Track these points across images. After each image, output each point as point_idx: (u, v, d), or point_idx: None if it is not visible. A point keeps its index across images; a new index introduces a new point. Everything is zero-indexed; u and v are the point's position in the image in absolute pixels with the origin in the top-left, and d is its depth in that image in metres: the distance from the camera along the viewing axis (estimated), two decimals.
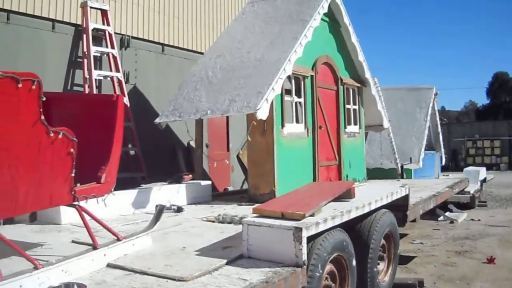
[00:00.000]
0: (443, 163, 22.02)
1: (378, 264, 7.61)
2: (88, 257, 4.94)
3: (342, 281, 6.26)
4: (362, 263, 6.83)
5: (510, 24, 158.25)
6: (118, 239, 5.41)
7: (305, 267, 5.04)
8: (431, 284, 9.08)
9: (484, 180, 22.33)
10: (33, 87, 4.20)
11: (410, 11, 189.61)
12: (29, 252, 4.82)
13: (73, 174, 4.84)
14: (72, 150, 4.74)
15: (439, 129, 21.29)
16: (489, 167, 43.27)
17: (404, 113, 18.83)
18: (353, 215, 6.41)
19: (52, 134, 4.49)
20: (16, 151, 4.21)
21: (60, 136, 4.57)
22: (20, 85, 4.08)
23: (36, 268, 4.33)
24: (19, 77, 4.10)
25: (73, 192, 4.93)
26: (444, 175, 19.75)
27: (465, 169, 21.67)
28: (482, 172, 21.72)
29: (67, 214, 6.99)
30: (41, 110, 4.32)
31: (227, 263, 4.99)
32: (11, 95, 4.05)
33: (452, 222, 15.97)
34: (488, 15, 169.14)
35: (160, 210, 6.29)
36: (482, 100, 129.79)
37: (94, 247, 5.09)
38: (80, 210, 5.18)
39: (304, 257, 4.99)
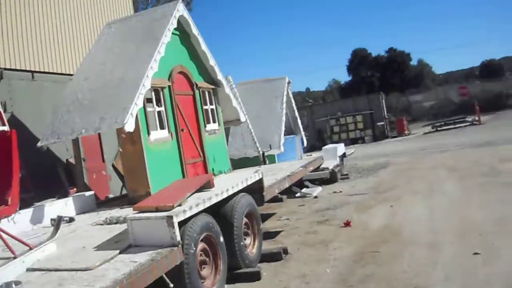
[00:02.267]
0: (305, 144, 23.51)
1: (245, 239, 9.19)
2: (12, 265, 6.10)
3: (214, 256, 7.84)
4: (229, 239, 8.43)
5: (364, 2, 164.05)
6: (30, 248, 6.62)
7: (180, 246, 6.50)
8: (295, 250, 10.41)
9: (344, 155, 23.86)
10: None
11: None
12: None
13: None
14: None
15: (296, 114, 22.68)
16: (354, 141, 45.67)
17: (262, 104, 20.00)
18: (214, 201, 8.00)
19: None
20: None
21: None
22: None
23: None
24: None
25: None
26: (307, 155, 20.84)
27: (323, 148, 23.22)
28: (341, 148, 23.25)
29: None
30: None
31: (119, 253, 6.34)
32: None
33: (305, 196, 17.48)
34: None
35: (59, 220, 7.52)
36: (344, 77, 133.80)
37: (14, 257, 6.29)
38: None
39: (178, 238, 6.46)
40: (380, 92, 54.20)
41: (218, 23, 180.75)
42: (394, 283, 7.69)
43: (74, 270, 5.90)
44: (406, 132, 49.39)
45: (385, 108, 50.83)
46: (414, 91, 72.43)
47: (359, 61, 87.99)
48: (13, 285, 5.09)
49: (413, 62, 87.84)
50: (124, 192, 14.57)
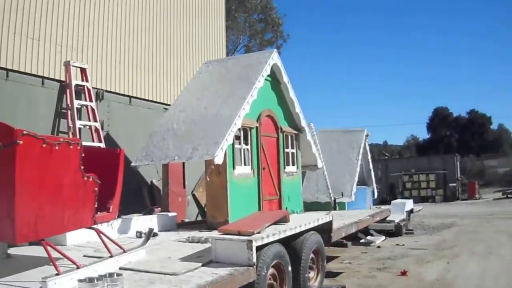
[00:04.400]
0: (375, 196, 24.22)
1: (309, 272, 10.12)
2: (107, 262, 7.10)
3: (281, 282, 8.81)
4: (296, 270, 9.37)
5: (449, 58, 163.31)
6: (124, 251, 7.65)
7: (254, 267, 7.48)
8: None
9: (411, 211, 24.29)
10: (78, 147, 6.47)
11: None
12: (58, 261, 6.50)
13: (95, 206, 7.10)
14: (96, 189, 6.97)
15: (371, 166, 23.45)
16: (424, 199, 45.65)
17: (338, 153, 20.89)
18: (288, 233, 9.04)
19: (85, 178, 6.74)
20: (65, 188, 6.39)
21: (90, 179, 6.82)
22: (71, 146, 6.36)
23: (78, 267, 6.42)
24: (71, 141, 6.40)
25: (94, 218, 7.19)
26: (376, 207, 21.09)
27: (392, 201, 23.77)
28: (409, 203, 23.74)
29: (71, 237, 8.93)
30: (81, 162, 6.58)
31: (202, 265, 7.33)
32: (65, 152, 6.23)
33: (369, 244, 18.21)
34: (426, 51, 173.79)
35: (150, 231, 8.60)
36: (423, 134, 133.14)
37: (110, 256, 7.33)
38: (98, 231, 7.42)
39: (254, 260, 7.45)
40: (456, 153, 54.23)
41: (304, 71, 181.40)
42: None
43: (162, 273, 6.87)
44: (476, 196, 49.29)
45: (459, 170, 50.85)
46: (490, 156, 71.62)
47: (440, 120, 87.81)
48: (115, 276, 6.01)
49: (494, 126, 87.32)
50: (199, 218, 15.66)
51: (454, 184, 49.31)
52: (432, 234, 21.96)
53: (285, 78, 13.91)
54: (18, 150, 5.44)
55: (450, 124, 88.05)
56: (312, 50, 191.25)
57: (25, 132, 5.48)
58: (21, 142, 5.43)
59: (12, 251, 8.17)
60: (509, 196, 46.50)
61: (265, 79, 12.94)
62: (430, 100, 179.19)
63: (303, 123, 14.78)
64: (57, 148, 6.00)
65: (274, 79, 13.71)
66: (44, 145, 5.81)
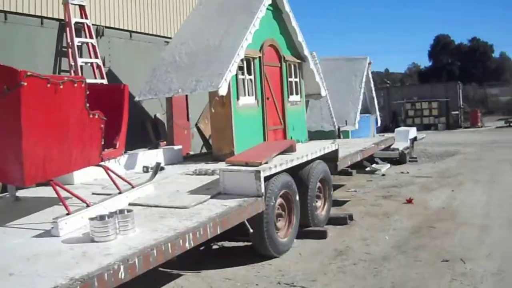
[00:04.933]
0: (379, 124, 24.12)
1: (316, 201, 10.20)
2: (116, 199, 7.13)
3: (289, 211, 8.93)
4: (303, 199, 9.46)
5: None
6: (133, 187, 7.67)
7: (263, 197, 7.54)
8: (359, 218, 11.37)
9: (414, 139, 24.34)
10: (82, 85, 6.43)
11: None
12: (67, 200, 6.52)
13: (102, 143, 7.10)
14: (102, 126, 6.95)
15: (374, 94, 23.27)
16: (427, 127, 45.60)
17: (341, 81, 20.72)
18: (295, 163, 9.09)
19: (91, 116, 6.72)
20: (72, 127, 6.37)
21: (96, 116, 6.80)
22: (75, 85, 6.32)
23: (88, 205, 6.46)
24: (75, 80, 6.36)
25: (101, 155, 7.19)
26: (379, 135, 21.54)
27: (396, 129, 24.00)
28: (412, 131, 23.91)
29: (78, 176, 8.92)
30: (86, 100, 6.55)
31: (211, 197, 7.41)
32: (70, 91, 6.18)
33: (374, 172, 18.38)
34: None
35: (157, 165, 8.59)
36: (425, 62, 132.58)
37: (119, 192, 7.35)
38: (106, 168, 7.42)
39: (263, 190, 7.50)
40: (458, 81, 54.03)
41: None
42: (443, 253, 8.55)
43: (172, 207, 6.95)
44: (479, 124, 49.29)
45: (461, 98, 50.66)
46: (493, 84, 71.33)
47: (441, 47, 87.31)
48: (126, 212, 6.03)
49: (495, 54, 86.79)
50: (204, 150, 15.69)
51: (457, 112, 49.27)
52: (435, 162, 22.09)
53: (287, 7, 13.73)
54: (23, 91, 5.40)
55: (452, 51, 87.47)
56: None
57: (29, 73, 5.42)
58: (25, 83, 5.38)
59: (20, 193, 8.22)
60: (511, 124, 46.49)
61: (267, 8, 12.78)
62: (431, 27, 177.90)
63: (306, 52, 14.65)
64: (61, 87, 5.95)
65: (275, 8, 13.52)
66: (48, 85, 5.76)
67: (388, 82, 65.84)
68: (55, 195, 6.26)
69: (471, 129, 46.58)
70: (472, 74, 77.22)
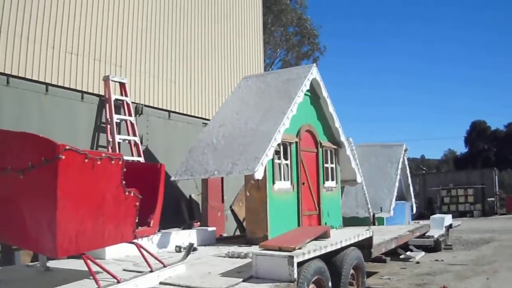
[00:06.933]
0: (414, 211, 23.95)
1: None
2: (148, 277, 7.12)
3: None
4: (336, 286, 9.28)
5: (486, 73, 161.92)
6: (164, 266, 7.64)
7: (295, 283, 7.43)
8: None
9: (450, 226, 24.01)
10: (120, 162, 6.49)
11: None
12: (98, 275, 6.51)
13: (136, 220, 7.11)
14: (137, 203, 6.99)
15: (409, 181, 23.22)
16: (463, 214, 45.25)
17: (377, 168, 20.64)
18: (329, 249, 8.98)
19: (127, 193, 6.75)
20: (107, 203, 6.41)
21: (131, 194, 6.84)
22: (113, 162, 6.38)
23: (118, 282, 6.45)
24: (113, 156, 6.42)
25: (135, 233, 7.20)
26: (414, 222, 21.43)
27: (431, 217, 23.64)
28: (448, 218, 23.48)
29: (110, 251, 8.92)
30: (123, 177, 6.59)
31: (243, 281, 7.32)
32: (107, 167, 6.26)
33: (408, 259, 17.94)
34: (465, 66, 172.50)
35: (190, 246, 8.59)
36: (461, 148, 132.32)
37: (151, 270, 7.32)
38: (139, 245, 7.43)
39: (295, 276, 7.40)
40: (494, 167, 53.77)
41: (342, 86, 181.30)
42: None
43: None
44: None
45: (497, 184, 50.40)
46: None
47: (478, 133, 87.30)
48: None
49: None
50: (237, 233, 15.63)
51: (493, 199, 48.96)
52: (471, 250, 21.75)
53: (325, 93, 13.93)
54: (60, 165, 5.47)
55: (488, 137, 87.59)
56: (345, 61, 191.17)
57: (67, 147, 5.52)
58: (63, 157, 5.47)
59: (51, 263, 8.22)
60: None
61: (305, 94, 12.96)
62: (467, 114, 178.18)
63: (342, 138, 14.78)
64: (99, 163, 6.03)
65: (313, 93, 13.73)
66: (86, 160, 5.84)
67: (424, 168, 65.74)
68: (86, 269, 6.26)
69: (507, 216, 46.11)
70: (509, 159, 76.83)
